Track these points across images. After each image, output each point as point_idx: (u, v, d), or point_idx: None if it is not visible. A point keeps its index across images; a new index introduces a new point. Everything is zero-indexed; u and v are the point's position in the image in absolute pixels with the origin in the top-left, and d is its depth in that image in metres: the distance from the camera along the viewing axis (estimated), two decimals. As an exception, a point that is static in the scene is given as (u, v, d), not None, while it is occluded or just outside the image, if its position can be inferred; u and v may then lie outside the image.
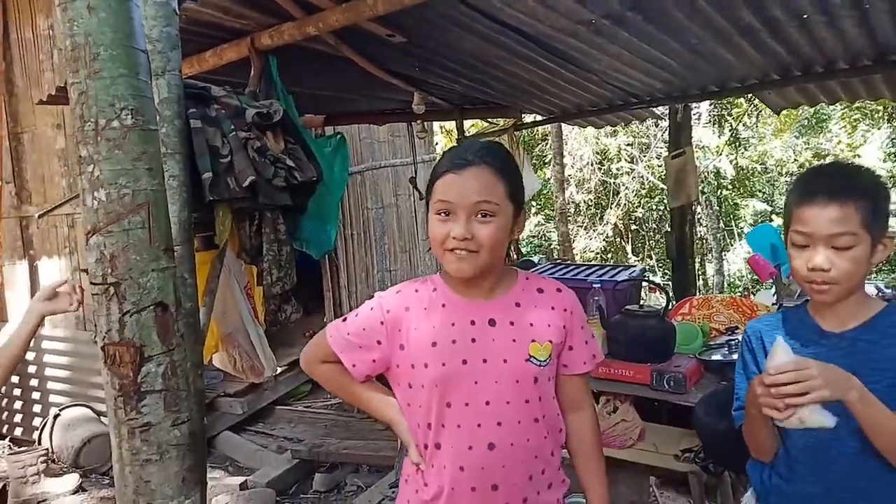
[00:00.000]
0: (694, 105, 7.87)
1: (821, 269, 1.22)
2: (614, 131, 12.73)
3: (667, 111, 4.63)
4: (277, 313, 2.59)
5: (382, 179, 7.61)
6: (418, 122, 4.59)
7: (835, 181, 1.26)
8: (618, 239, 13.63)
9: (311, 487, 4.04)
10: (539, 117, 4.75)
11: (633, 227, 13.61)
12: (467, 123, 7.56)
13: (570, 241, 13.53)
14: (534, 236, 14.63)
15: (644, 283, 4.17)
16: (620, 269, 3.81)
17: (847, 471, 1.26)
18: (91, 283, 1.61)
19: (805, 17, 2.50)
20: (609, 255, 13.40)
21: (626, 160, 13.01)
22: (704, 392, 2.61)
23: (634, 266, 3.85)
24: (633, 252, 13.29)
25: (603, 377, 2.92)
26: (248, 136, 2.32)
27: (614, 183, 13.28)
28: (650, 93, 3.76)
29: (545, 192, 13.25)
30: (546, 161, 13.04)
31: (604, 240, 13.44)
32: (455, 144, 1.40)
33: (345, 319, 1.43)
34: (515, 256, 4.99)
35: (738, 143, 11.79)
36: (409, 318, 1.35)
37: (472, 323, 1.33)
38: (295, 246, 2.72)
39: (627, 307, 2.99)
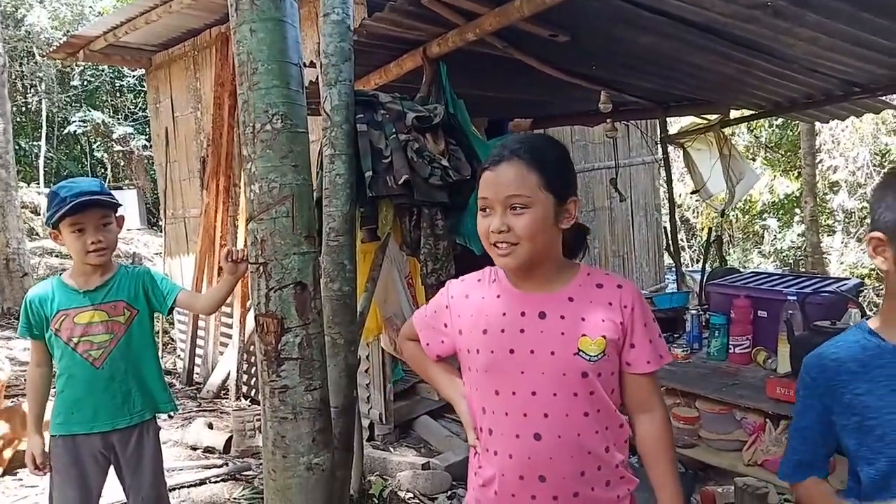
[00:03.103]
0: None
1: None
2: (899, 128, 11.08)
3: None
4: (435, 303, 2.75)
5: (595, 182, 7.51)
6: (608, 121, 4.50)
7: None
8: (901, 254, 11.77)
9: (488, 478, 4.18)
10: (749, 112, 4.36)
11: (924, 241, 11.65)
12: (684, 121, 7.20)
13: (822, 253, 12.04)
14: (797, 247, 13.25)
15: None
16: (830, 281, 3.36)
17: None
18: (249, 263, 1.89)
19: None
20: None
21: (915, 161, 11.17)
22: None
23: (847, 279, 3.36)
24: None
25: (782, 399, 2.64)
26: (408, 137, 2.51)
27: (897, 189, 11.51)
28: (873, 80, 3.26)
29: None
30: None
31: (880, 254, 11.71)
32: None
33: (428, 303, 1.54)
34: (720, 263, 4.63)
35: None
36: (467, 304, 1.42)
37: (523, 314, 1.35)
38: (457, 241, 2.88)
39: (816, 323, 2.66)
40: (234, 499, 3.48)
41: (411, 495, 3.58)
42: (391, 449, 4.32)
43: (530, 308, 1.35)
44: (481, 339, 1.36)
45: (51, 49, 6.77)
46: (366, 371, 4.32)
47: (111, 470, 2.29)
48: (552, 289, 1.37)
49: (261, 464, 3.89)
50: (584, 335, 1.31)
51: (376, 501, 3.34)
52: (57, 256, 9.89)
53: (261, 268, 1.85)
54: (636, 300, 1.36)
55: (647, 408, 1.40)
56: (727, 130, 4.70)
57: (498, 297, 1.39)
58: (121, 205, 2.25)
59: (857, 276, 10.59)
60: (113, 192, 2.40)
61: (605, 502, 1.36)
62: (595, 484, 1.34)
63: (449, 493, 3.64)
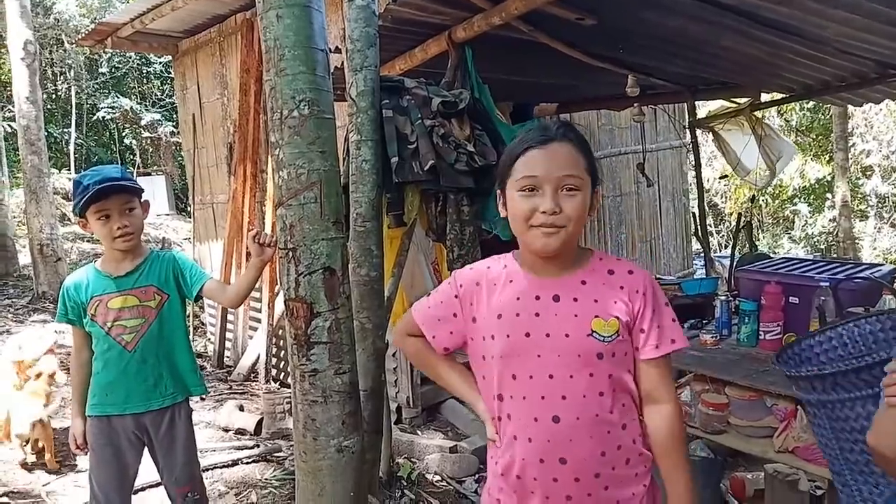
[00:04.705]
0: None
1: None
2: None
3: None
4: (461, 288, 2.76)
5: (622, 167, 7.42)
6: (635, 105, 4.44)
7: None
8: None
9: (514, 462, 4.20)
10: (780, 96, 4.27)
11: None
12: (713, 105, 7.06)
13: (855, 238, 11.81)
14: (829, 233, 12.99)
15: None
16: (864, 267, 3.29)
17: None
18: (278, 248, 1.91)
19: None
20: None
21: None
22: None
23: (881, 265, 3.28)
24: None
25: (814, 385, 2.60)
26: (434, 123, 2.51)
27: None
28: (911, 61, 3.17)
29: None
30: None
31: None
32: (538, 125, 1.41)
33: (428, 296, 1.53)
34: (749, 249, 4.56)
35: None
36: (479, 292, 1.41)
37: (537, 298, 1.35)
38: (483, 227, 2.87)
39: (849, 310, 2.61)
40: (266, 479, 3.55)
41: (439, 478, 3.61)
42: (419, 432, 4.35)
43: (544, 292, 1.35)
44: (496, 325, 1.36)
45: (79, 37, 6.87)
46: (393, 355, 4.35)
47: (146, 451, 2.35)
48: (566, 273, 1.37)
49: (291, 445, 3.96)
50: (596, 316, 1.31)
51: (405, 483, 3.38)
52: (88, 241, 10.09)
53: (290, 253, 1.86)
54: (647, 285, 1.36)
55: (656, 399, 1.38)
56: (757, 114, 4.60)
57: (511, 282, 1.39)
58: (143, 190, 2.27)
59: (890, 262, 10.38)
60: (141, 177, 2.43)
61: (626, 480, 1.36)
62: (616, 463, 1.34)
63: (477, 476, 3.66)
